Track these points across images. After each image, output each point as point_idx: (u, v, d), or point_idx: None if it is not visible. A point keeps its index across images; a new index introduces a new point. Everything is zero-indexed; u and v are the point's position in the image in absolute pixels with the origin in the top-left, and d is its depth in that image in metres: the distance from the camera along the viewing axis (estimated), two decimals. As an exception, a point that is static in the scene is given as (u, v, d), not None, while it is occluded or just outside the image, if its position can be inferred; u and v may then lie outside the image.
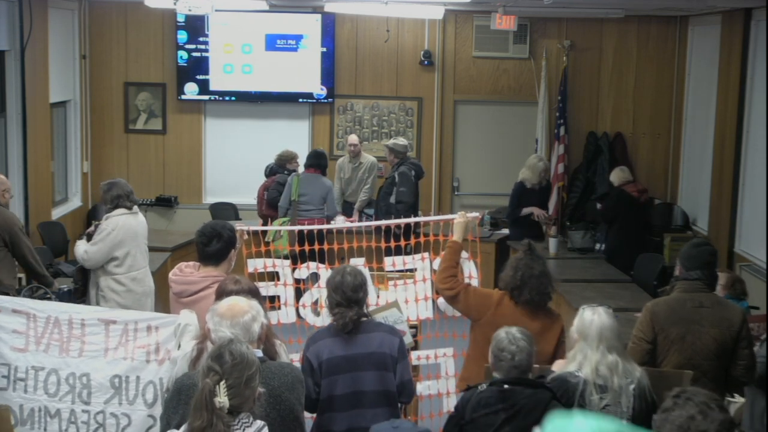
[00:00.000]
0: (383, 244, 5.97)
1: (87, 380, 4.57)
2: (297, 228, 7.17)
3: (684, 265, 4.76)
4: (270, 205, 9.13)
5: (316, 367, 4.14)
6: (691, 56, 10.28)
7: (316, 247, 5.78)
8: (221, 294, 3.97)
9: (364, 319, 4.27)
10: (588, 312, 4.06)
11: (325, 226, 6.62)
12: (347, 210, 9.97)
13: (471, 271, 5.37)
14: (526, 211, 8.98)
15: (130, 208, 6.31)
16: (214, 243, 4.69)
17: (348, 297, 4.20)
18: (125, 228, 6.25)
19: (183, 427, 3.03)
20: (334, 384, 4.14)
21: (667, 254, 9.30)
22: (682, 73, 10.50)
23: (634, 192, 8.96)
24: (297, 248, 5.89)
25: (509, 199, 9.20)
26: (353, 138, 9.96)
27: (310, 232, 6.89)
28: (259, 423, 3.03)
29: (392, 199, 9.00)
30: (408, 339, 5.22)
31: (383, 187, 9.26)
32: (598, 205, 9.64)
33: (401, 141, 9.45)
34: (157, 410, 4.40)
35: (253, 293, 3.98)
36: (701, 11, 9.58)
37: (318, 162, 9.07)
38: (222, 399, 2.91)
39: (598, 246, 9.25)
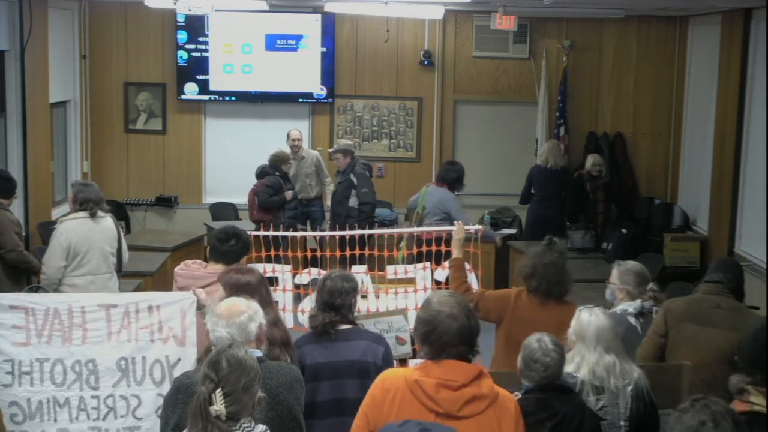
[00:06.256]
0: (355, 251, 5.97)
1: (93, 366, 4.58)
2: (299, 234, 7.08)
3: (708, 272, 4.81)
4: (262, 208, 8.95)
5: None
6: (691, 56, 10.28)
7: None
8: (230, 284, 4.03)
9: (349, 326, 4.21)
10: (585, 313, 4.05)
11: (327, 233, 6.53)
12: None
13: (471, 284, 5.38)
14: None
15: (93, 214, 6.15)
16: (233, 243, 4.73)
17: (325, 301, 4.17)
18: (76, 231, 6.11)
19: None
20: (316, 390, 4.10)
21: (667, 254, 9.31)
22: (682, 73, 10.50)
23: None
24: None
25: (574, 191, 9.43)
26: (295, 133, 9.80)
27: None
28: (261, 427, 3.02)
29: (351, 203, 8.74)
30: (406, 349, 5.20)
31: (337, 192, 8.95)
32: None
33: (347, 141, 9.34)
34: (166, 388, 4.35)
35: (264, 282, 4.10)
36: (701, 11, 9.59)
37: (444, 175, 8.41)
38: (218, 407, 2.89)
39: (605, 245, 9.29)
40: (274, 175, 9.08)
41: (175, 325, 4.49)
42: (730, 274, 4.70)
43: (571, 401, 3.64)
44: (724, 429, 2.70)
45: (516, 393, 3.65)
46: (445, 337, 3.14)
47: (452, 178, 8.29)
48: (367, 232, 6.22)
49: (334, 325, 4.16)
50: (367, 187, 8.72)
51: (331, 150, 9.34)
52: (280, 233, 6.00)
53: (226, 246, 4.72)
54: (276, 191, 8.96)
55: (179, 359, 4.48)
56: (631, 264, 4.93)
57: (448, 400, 3.08)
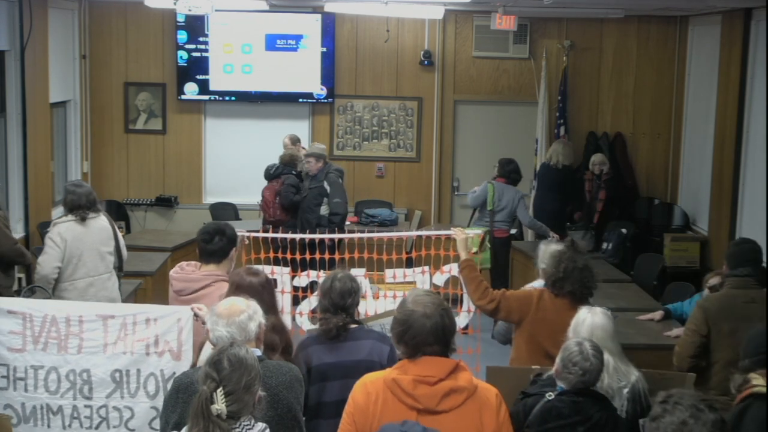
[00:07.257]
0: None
1: (87, 376, 4.58)
2: (307, 237, 7.03)
3: (729, 264, 4.85)
4: (286, 209, 8.86)
5: (305, 373, 4.08)
6: (691, 56, 10.28)
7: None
8: (237, 286, 4.05)
9: (354, 326, 4.21)
10: (583, 311, 4.07)
11: (325, 236, 6.52)
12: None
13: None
14: None
15: (83, 218, 6.07)
16: (217, 240, 4.71)
17: (335, 303, 4.14)
18: (69, 234, 6.05)
19: (183, 430, 3.03)
20: (323, 391, 4.10)
21: (667, 254, 9.31)
22: (682, 73, 10.50)
23: None
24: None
25: (570, 190, 9.57)
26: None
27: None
28: (261, 425, 3.03)
29: (323, 211, 8.65)
30: None
31: (307, 198, 8.79)
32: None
33: (320, 145, 9.24)
34: (160, 401, 4.38)
35: (267, 287, 4.10)
36: (701, 11, 9.58)
37: (507, 173, 8.72)
38: (219, 406, 2.90)
39: (605, 245, 9.29)
40: (291, 174, 8.99)
41: (171, 339, 4.48)
42: (757, 266, 4.78)
43: (605, 408, 3.67)
44: (705, 419, 2.63)
45: (549, 393, 3.67)
46: (419, 337, 3.16)
47: (515, 175, 8.68)
48: (366, 235, 6.21)
49: (346, 327, 4.15)
50: (339, 196, 8.61)
51: (304, 153, 9.19)
52: (288, 235, 5.97)
53: (211, 245, 4.71)
54: (297, 191, 8.93)
55: (174, 373, 4.46)
56: (553, 246, 5.00)
57: (426, 395, 3.10)
